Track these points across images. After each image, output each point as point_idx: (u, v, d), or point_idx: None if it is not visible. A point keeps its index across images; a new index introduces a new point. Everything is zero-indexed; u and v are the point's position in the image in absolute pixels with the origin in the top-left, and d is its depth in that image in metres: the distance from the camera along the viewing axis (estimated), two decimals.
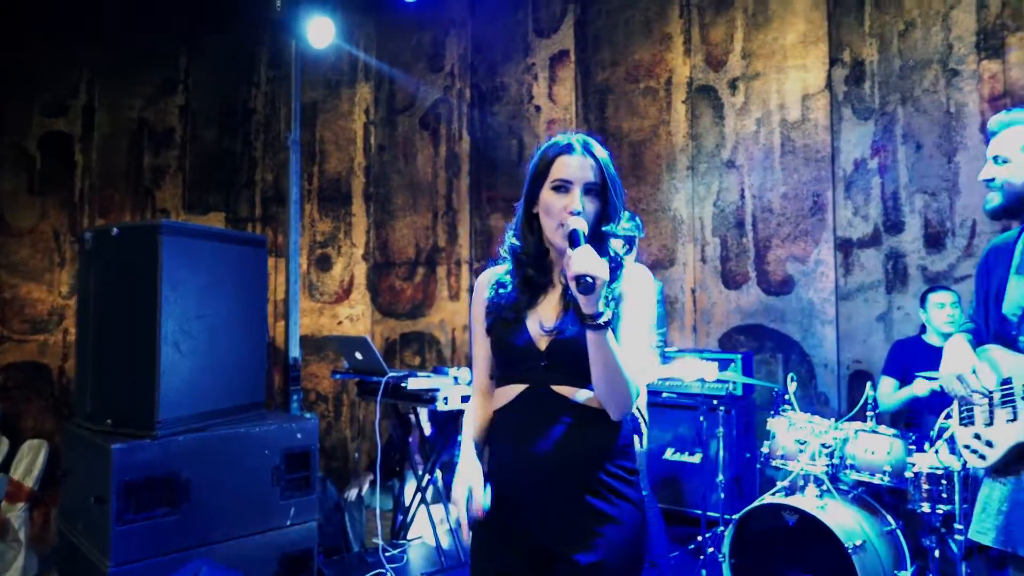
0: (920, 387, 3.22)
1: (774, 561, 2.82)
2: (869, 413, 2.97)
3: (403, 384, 3.32)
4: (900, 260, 4.27)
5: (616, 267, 1.53)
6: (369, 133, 6.00)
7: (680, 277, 5.30)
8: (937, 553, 2.91)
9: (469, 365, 4.86)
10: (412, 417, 3.88)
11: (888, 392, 3.65)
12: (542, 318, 1.52)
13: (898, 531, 2.89)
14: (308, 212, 5.84)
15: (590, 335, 1.39)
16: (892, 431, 2.95)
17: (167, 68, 5.61)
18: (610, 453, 1.49)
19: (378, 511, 3.44)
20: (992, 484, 1.81)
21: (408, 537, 3.68)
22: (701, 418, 3.66)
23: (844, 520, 2.71)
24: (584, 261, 1.34)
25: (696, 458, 4.06)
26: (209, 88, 5.74)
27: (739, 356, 4.09)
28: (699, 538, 3.41)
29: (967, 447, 1.86)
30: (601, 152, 1.56)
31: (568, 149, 1.54)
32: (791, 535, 2.78)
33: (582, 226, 1.44)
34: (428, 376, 3.47)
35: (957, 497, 2.65)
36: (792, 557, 2.76)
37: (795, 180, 4.75)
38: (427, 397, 3.30)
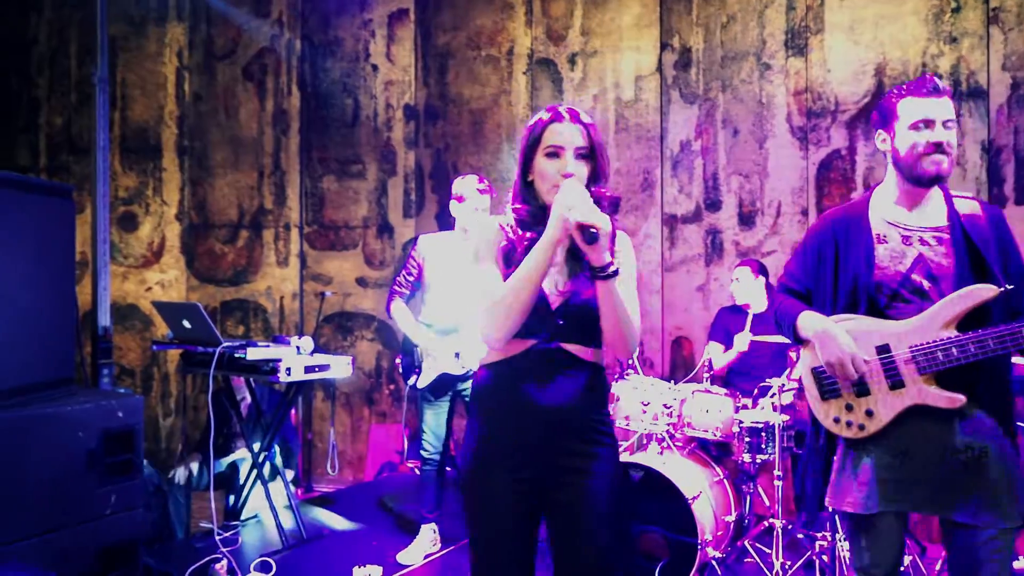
0: (741, 342, 3.50)
1: (621, 516, 2.97)
2: (706, 375, 3.22)
3: (240, 355, 3.04)
4: (717, 236, 4.66)
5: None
6: (183, 79, 5.39)
7: None
8: (749, 501, 3.27)
9: (300, 334, 4.59)
10: (245, 390, 3.59)
11: (715, 355, 3.99)
12: (555, 278, 1.65)
13: (725, 480, 3.17)
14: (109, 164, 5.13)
15: (601, 286, 1.55)
16: (723, 390, 3.22)
17: None
18: (602, 403, 1.73)
19: (211, 492, 3.14)
20: (857, 451, 1.82)
21: (243, 518, 3.41)
22: None
23: (683, 473, 2.92)
24: (588, 211, 1.48)
25: None
26: None
27: None
28: None
29: (837, 420, 1.83)
30: (588, 119, 1.67)
31: (557, 117, 1.64)
32: (637, 490, 2.94)
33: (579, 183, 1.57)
34: (267, 346, 3.22)
35: (777, 448, 2.97)
36: (638, 511, 2.93)
37: (628, 157, 4.99)
38: (267, 368, 3.06)
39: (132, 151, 5.21)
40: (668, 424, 3.12)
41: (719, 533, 3.05)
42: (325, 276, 5.36)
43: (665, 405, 3.11)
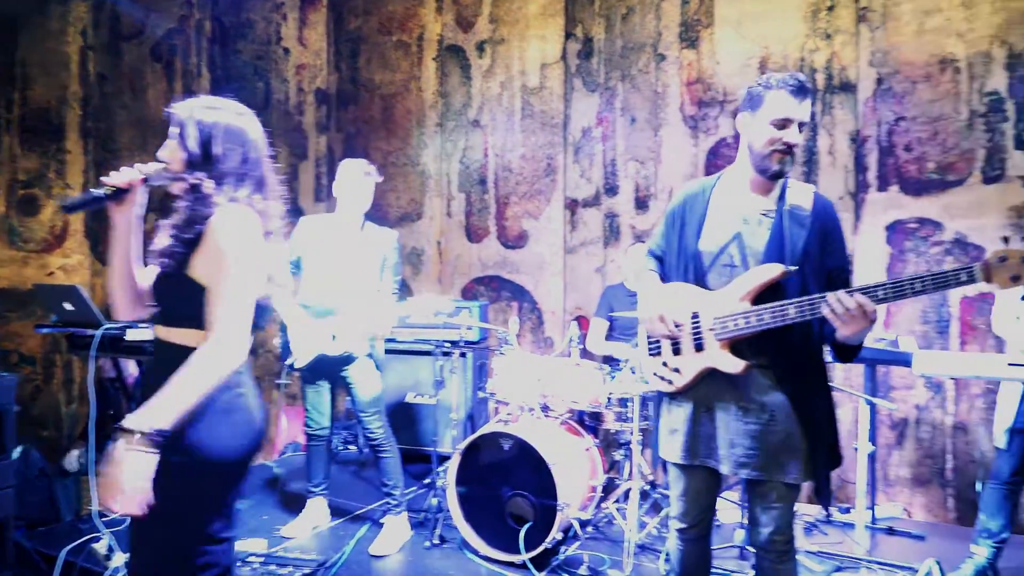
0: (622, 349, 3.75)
1: (494, 485, 3.14)
2: (577, 348, 3.39)
3: (122, 335, 3.08)
4: (615, 219, 4.86)
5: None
6: (87, 59, 5.30)
7: (427, 230, 5.50)
8: (627, 462, 3.48)
9: None
10: (128, 372, 3.62)
11: (600, 332, 4.19)
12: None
13: (594, 447, 3.37)
14: (7, 146, 5.05)
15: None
16: (595, 364, 3.41)
17: None
18: None
19: (91, 475, 3.18)
20: (671, 406, 2.03)
21: None
22: (440, 361, 3.89)
23: (550, 442, 3.10)
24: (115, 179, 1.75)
25: (434, 400, 4.30)
26: None
27: (475, 304, 4.39)
28: (438, 472, 3.67)
29: (655, 374, 2.04)
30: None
31: None
32: (508, 460, 3.11)
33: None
34: (149, 327, 3.26)
35: (636, 416, 3.17)
36: (509, 479, 3.10)
37: (533, 143, 5.14)
38: (151, 349, 3.11)
39: (33, 132, 5.12)
40: (540, 396, 3.29)
41: (587, 496, 3.25)
42: None
43: (538, 379, 3.28)
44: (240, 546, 3.01)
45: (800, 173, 4.26)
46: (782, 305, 1.84)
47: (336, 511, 3.59)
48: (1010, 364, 2.31)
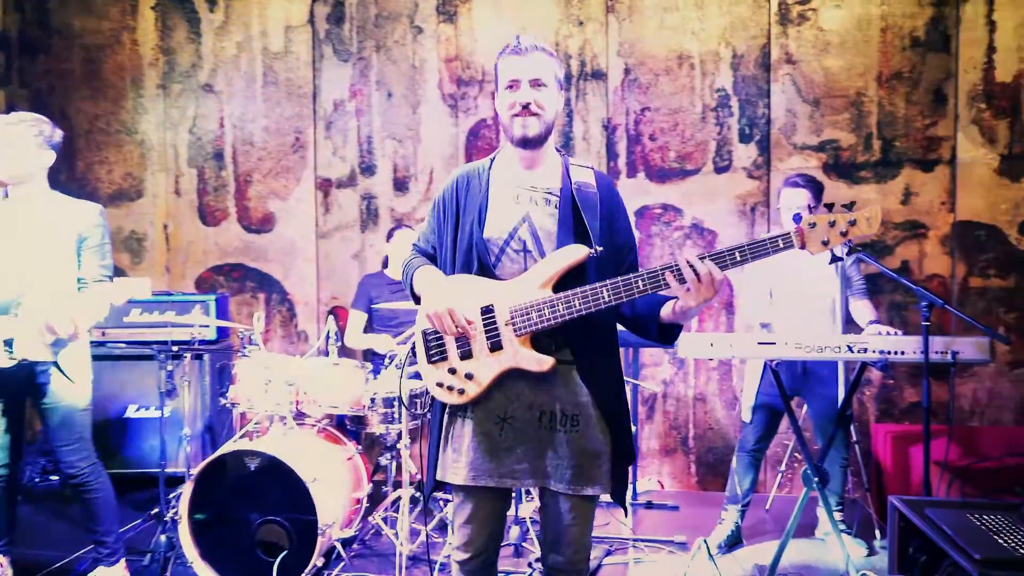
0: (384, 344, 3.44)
1: (239, 511, 2.67)
2: (335, 346, 3.02)
3: None
4: (372, 201, 4.51)
5: None
6: None
7: (150, 211, 4.67)
8: (394, 467, 3.20)
9: None
10: None
11: (359, 325, 3.84)
12: None
13: (357, 455, 3.03)
14: None
15: None
16: (355, 362, 3.06)
17: None
18: None
19: None
20: (456, 420, 1.76)
21: None
22: (169, 366, 3.26)
23: (305, 455, 2.71)
24: None
25: (165, 412, 3.64)
26: None
27: (211, 297, 3.78)
28: (168, 500, 3.05)
29: (440, 384, 1.74)
30: None
31: None
32: (256, 479, 2.66)
33: None
34: None
35: (404, 416, 2.90)
36: (257, 503, 2.65)
37: (277, 114, 4.58)
38: None
39: None
40: (293, 403, 2.87)
41: (352, 511, 2.91)
42: None
43: (289, 383, 2.85)
44: None
45: None
46: (594, 288, 1.65)
47: (25, 569, 2.81)
48: (760, 343, 2.45)
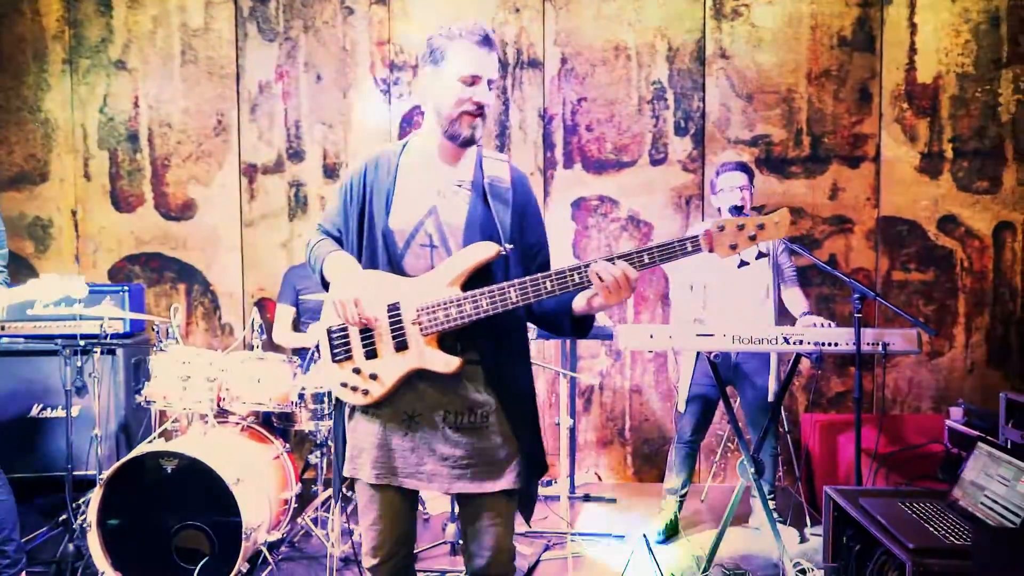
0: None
1: (156, 517, 2.49)
2: (260, 339, 2.85)
3: None
4: (301, 188, 4.32)
5: None
6: None
7: (56, 196, 4.34)
8: (325, 464, 3.05)
9: None
10: None
11: (286, 320, 3.67)
12: None
13: (284, 454, 2.89)
14: None
15: None
16: (280, 356, 2.90)
17: None
18: None
19: None
20: (360, 420, 1.70)
21: None
22: (77, 362, 3.03)
23: (227, 456, 2.55)
24: None
25: (74, 412, 3.39)
26: None
27: (124, 288, 3.53)
28: (76, 507, 2.83)
29: (344, 384, 1.68)
30: None
31: None
32: (174, 482, 2.48)
33: None
34: None
35: (335, 412, 2.76)
36: (176, 508, 2.48)
37: (198, 95, 4.33)
38: None
39: None
40: (214, 400, 2.70)
41: (280, 512, 2.77)
42: None
43: (210, 378, 2.68)
44: None
45: (493, 147, 4.21)
46: (502, 288, 1.58)
47: None
48: (698, 335, 2.44)
